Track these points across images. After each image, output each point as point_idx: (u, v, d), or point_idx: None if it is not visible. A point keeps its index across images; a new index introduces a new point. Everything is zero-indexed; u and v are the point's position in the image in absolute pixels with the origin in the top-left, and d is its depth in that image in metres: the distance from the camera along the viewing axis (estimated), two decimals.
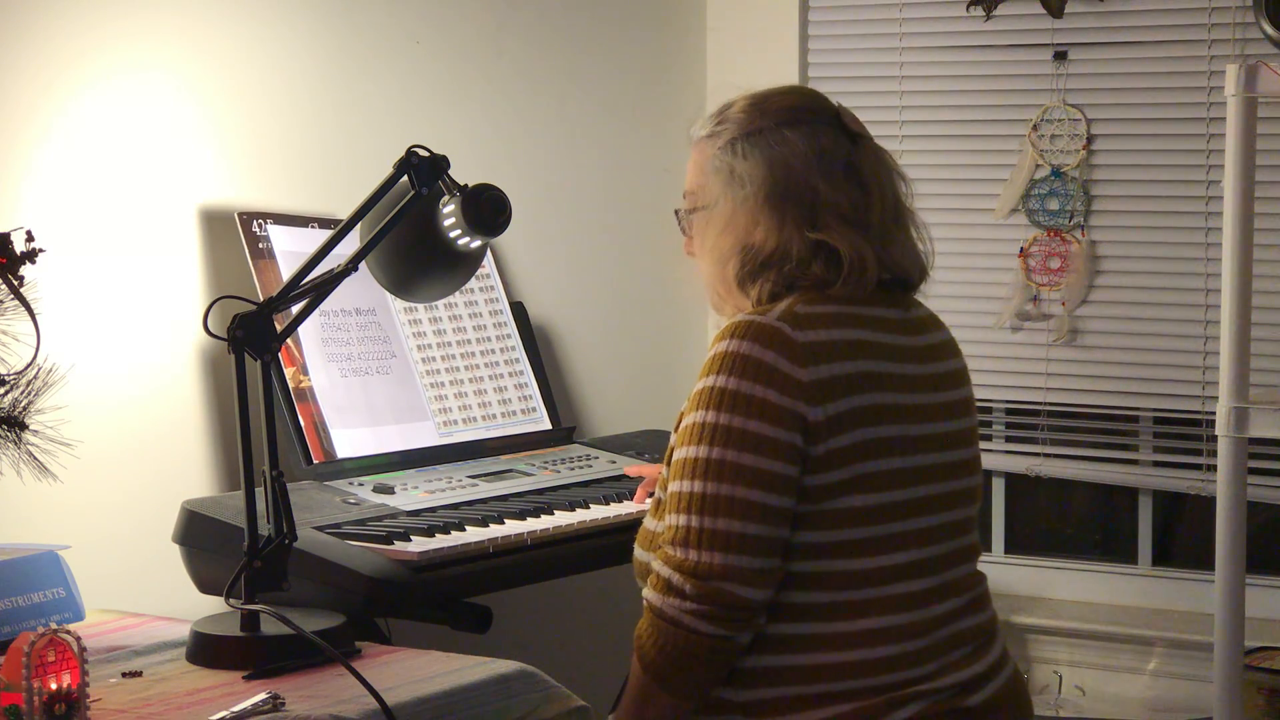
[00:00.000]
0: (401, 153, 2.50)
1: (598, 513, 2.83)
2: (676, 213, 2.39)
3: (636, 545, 2.31)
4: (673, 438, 2.24)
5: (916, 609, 2.20)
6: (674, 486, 2.17)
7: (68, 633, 1.97)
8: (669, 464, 2.22)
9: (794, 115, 2.28)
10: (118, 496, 2.76)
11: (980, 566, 2.35)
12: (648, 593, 2.18)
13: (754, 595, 2.13)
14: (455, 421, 3.12)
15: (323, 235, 2.69)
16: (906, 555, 2.20)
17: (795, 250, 2.23)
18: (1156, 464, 3.83)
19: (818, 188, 2.23)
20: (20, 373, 2.30)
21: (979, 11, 3.84)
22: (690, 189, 2.34)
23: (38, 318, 2.30)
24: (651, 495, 2.88)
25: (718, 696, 2.19)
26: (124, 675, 2.25)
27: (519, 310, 3.34)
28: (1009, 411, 3.92)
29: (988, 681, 2.24)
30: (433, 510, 2.75)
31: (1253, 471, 3.25)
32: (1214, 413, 3.05)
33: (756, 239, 2.25)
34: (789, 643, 2.17)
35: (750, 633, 2.15)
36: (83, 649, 1.97)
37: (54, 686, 1.94)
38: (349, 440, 2.93)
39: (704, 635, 2.13)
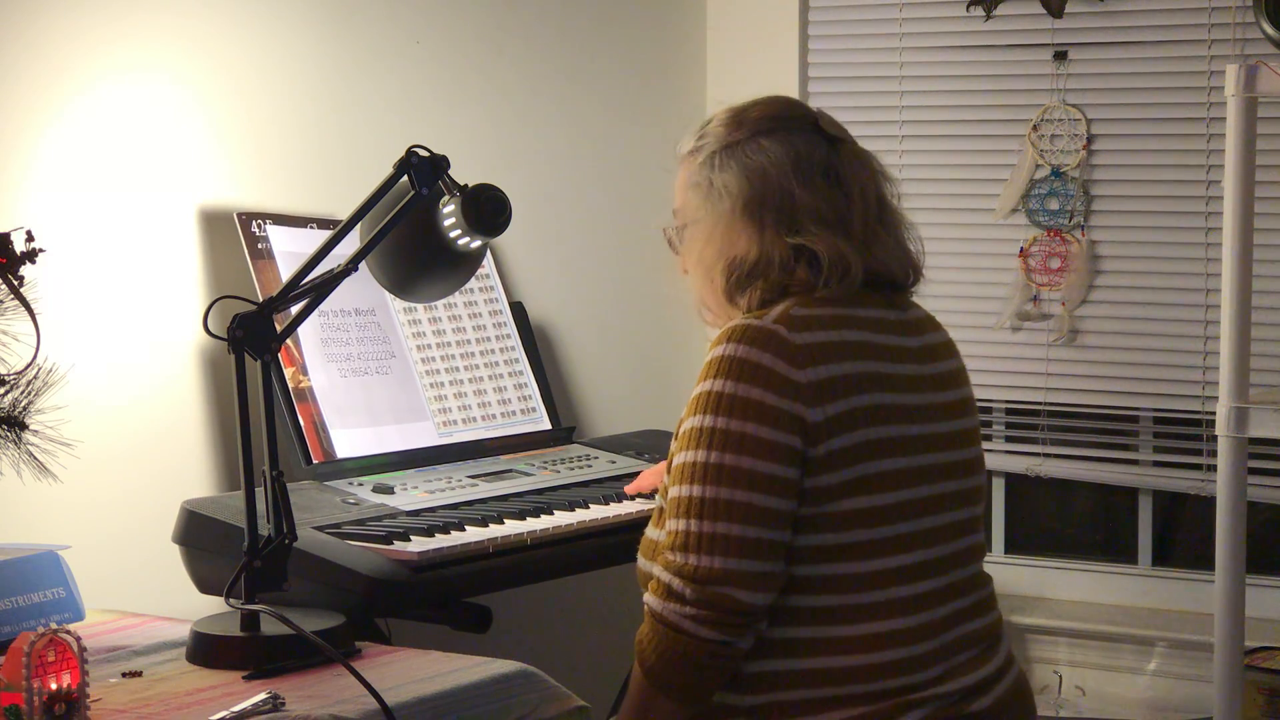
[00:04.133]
0: (401, 153, 2.50)
1: (598, 513, 2.83)
2: (665, 231, 2.39)
3: (640, 555, 2.30)
4: (673, 443, 2.24)
5: (922, 611, 2.19)
6: (674, 491, 2.17)
7: (68, 633, 1.97)
8: (669, 469, 2.21)
9: (770, 124, 2.28)
10: (118, 496, 2.76)
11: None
12: (648, 598, 2.18)
13: (755, 599, 2.12)
14: (455, 421, 3.12)
15: (323, 235, 2.69)
16: (911, 557, 2.20)
17: (778, 257, 2.23)
18: (1156, 464, 3.83)
19: (794, 193, 2.24)
20: (20, 373, 2.30)
21: (979, 11, 3.84)
22: (676, 207, 2.36)
23: (38, 318, 2.30)
24: (647, 495, 2.90)
25: (720, 701, 2.19)
26: (124, 675, 2.25)
27: (519, 310, 3.34)
28: (1009, 411, 3.92)
29: (993, 685, 2.24)
30: (432, 510, 2.75)
31: (1253, 471, 3.25)
32: (1214, 413, 3.05)
33: (740, 250, 2.25)
34: (792, 647, 2.17)
35: (752, 637, 2.15)
36: (83, 649, 1.97)
37: (54, 686, 1.94)
38: (349, 440, 2.93)
39: (705, 640, 2.12)
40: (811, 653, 2.16)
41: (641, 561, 2.29)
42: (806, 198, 2.23)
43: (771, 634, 2.16)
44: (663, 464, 2.89)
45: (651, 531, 2.28)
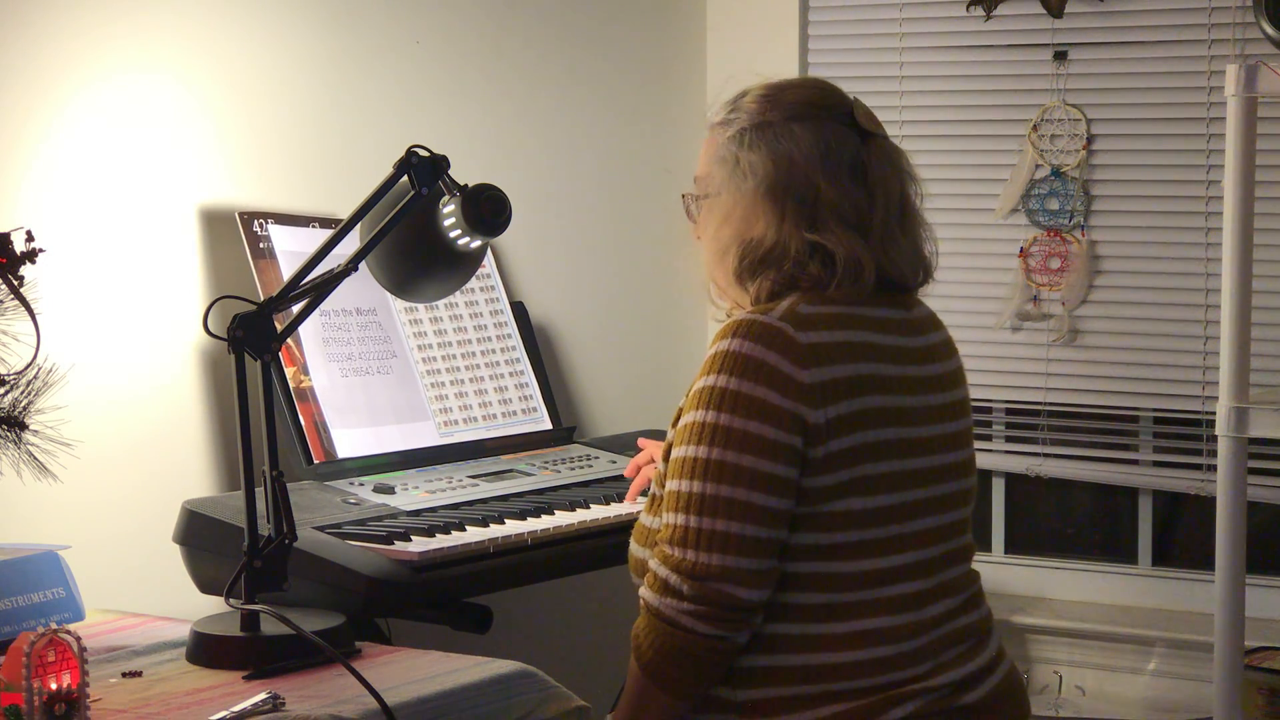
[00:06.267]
0: (401, 153, 2.50)
1: (598, 513, 2.83)
2: (684, 197, 2.38)
3: (633, 541, 2.31)
4: (670, 433, 2.24)
5: (912, 610, 2.20)
6: (672, 485, 2.17)
7: (68, 633, 1.97)
8: (666, 461, 2.21)
9: (805, 110, 2.27)
10: (118, 496, 2.76)
11: (980, 566, 2.35)
12: (645, 592, 2.18)
13: (751, 596, 2.13)
14: (455, 421, 3.12)
15: (323, 235, 2.69)
16: (903, 557, 2.20)
17: (793, 248, 2.22)
18: (1156, 464, 3.83)
19: (819, 186, 2.23)
20: (20, 373, 2.30)
21: (979, 11, 3.84)
22: (699, 175, 2.34)
23: (38, 318, 2.30)
24: (645, 493, 2.89)
25: (714, 696, 2.19)
26: (124, 675, 2.25)
27: (519, 310, 3.34)
28: (1009, 411, 3.92)
29: (983, 679, 2.24)
30: (433, 510, 2.75)
31: (1253, 471, 3.25)
32: (1214, 413, 3.05)
33: (756, 233, 2.24)
34: (786, 643, 2.17)
35: (747, 633, 2.15)
36: (83, 649, 1.97)
37: (54, 686, 1.94)
38: (349, 440, 2.93)
39: (701, 635, 2.13)
40: (803, 649, 2.17)
41: (635, 548, 2.29)
42: (830, 193, 2.22)
43: (764, 629, 2.17)
44: (647, 451, 2.89)
45: (646, 519, 2.28)
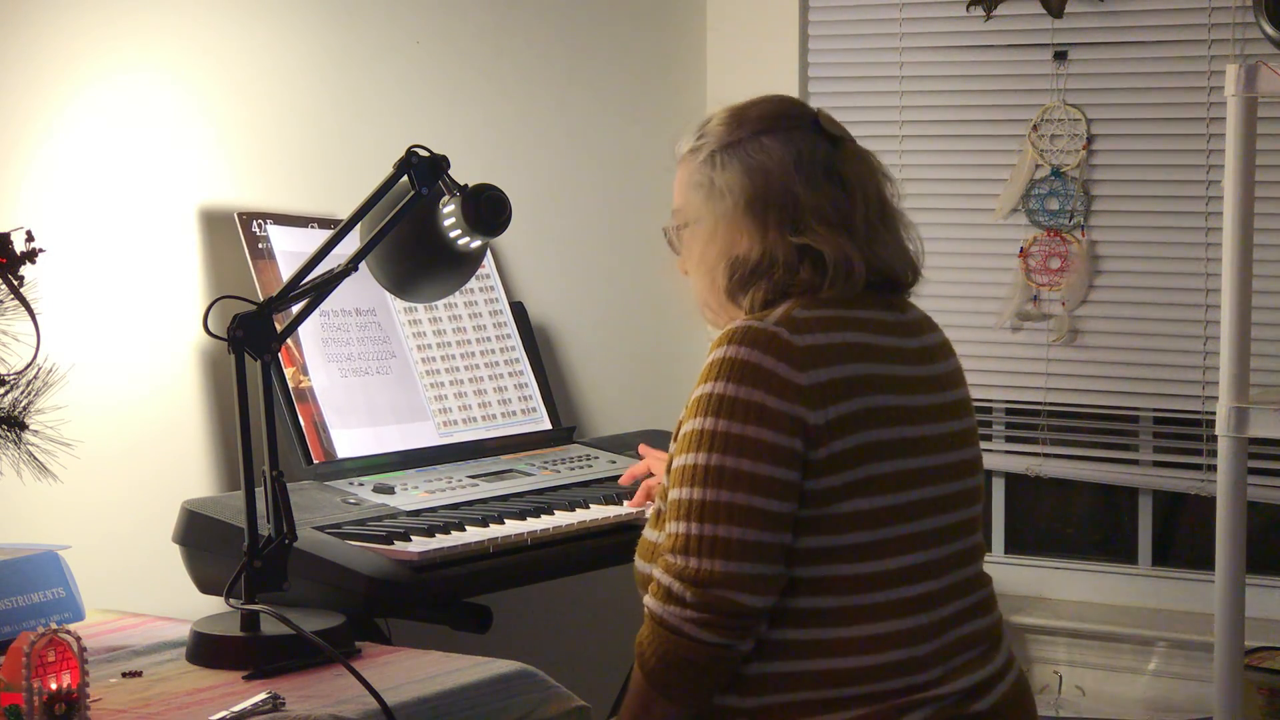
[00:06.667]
0: (401, 153, 2.50)
1: (598, 513, 2.83)
2: (665, 231, 2.39)
3: (637, 556, 2.30)
4: (672, 445, 2.24)
5: (922, 612, 2.19)
6: (674, 494, 2.17)
7: (68, 633, 1.97)
8: (669, 472, 2.21)
9: (771, 123, 2.28)
10: (118, 496, 2.76)
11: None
12: (649, 600, 2.18)
13: (755, 602, 2.12)
14: (455, 421, 3.12)
15: (323, 235, 2.69)
16: (911, 558, 2.20)
17: (781, 256, 2.23)
18: (1156, 464, 3.83)
19: (797, 192, 2.23)
20: (20, 373, 2.30)
21: (979, 11, 3.84)
22: (676, 206, 2.35)
23: (38, 318, 2.30)
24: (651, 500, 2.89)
25: (720, 703, 2.19)
26: (124, 675, 2.25)
27: (519, 310, 3.34)
28: (1009, 411, 3.92)
29: (994, 686, 2.24)
30: (433, 510, 2.75)
31: (1253, 471, 3.25)
32: (1214, 413, 3.05)
33: (742, 249, 2.25)
34: (793, 648, 2.16)
35: (752, 640, 2.15)
36: (83, 649, 1.97)
37: (54, 686, 1.94)
38: (349, 440, 2.93)
39: (705, 643, 2.12)
40: (812, 654, 2.16)
41: (639, 563, 2.29)
42: (809, 197, 2.23)
43: (772, 636, 2.16)
44: (646, 461, 2.89)
45: (649, 533, 2.28)
